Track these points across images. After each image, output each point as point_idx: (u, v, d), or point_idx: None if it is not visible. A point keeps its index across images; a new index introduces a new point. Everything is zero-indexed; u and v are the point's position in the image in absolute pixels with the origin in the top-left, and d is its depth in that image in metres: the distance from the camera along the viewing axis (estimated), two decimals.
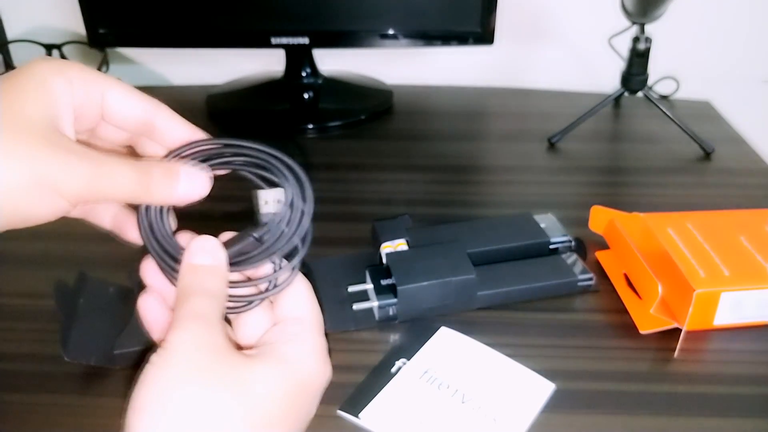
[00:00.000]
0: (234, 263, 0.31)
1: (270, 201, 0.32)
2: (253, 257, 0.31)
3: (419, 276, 0.48)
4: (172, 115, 0.31)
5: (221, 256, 0.30)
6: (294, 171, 0.32)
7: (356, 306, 0.49)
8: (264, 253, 0.31)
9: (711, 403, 0.43)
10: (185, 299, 0.28)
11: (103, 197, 0.28)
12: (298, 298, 0.32)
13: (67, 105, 0.28)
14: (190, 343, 0.27)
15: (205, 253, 0.30)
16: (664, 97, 0.89)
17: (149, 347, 0.44)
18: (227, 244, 0.31)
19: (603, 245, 0.57)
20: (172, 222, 0.32)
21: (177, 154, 0.31)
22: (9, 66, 0.92)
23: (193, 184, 0.30)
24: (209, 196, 0.31)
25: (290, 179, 0.32)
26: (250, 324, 0.32)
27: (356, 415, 0.41)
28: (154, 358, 0.27)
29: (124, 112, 0.30)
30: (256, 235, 0.31)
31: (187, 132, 0.31)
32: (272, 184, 0.32)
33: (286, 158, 0.32)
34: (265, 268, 0.32)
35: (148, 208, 0.31)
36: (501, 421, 0.41)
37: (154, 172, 0.29)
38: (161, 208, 0.31)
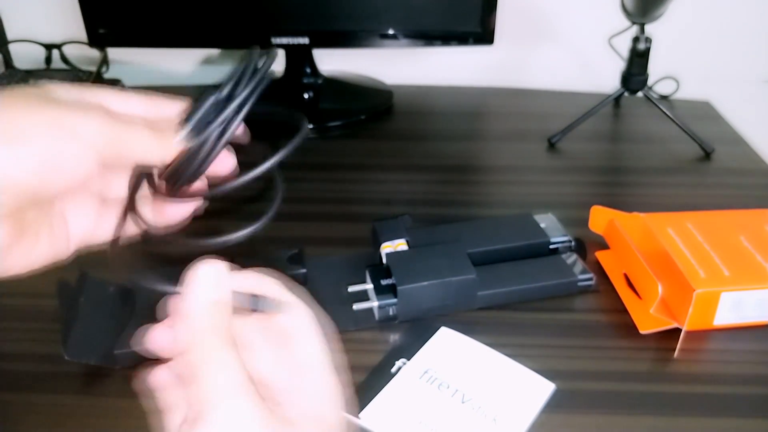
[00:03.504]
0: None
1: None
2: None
3: (419, 276, 0.48)
4: (172, 100, 0.31)
5: (227, 285, 0.29)
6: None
7: (356, 306, 0.49)
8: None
9: (711, 403, 0.43)
10: (211, 359, 0.26)
11: (124, 148, 0.27)
12: (303, 340, 0.30)
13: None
14: (238, 419, 0.26)
15: (211, 287, 0.28)
16: (664, 97, 0.89)
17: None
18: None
19: (603, 245, 0.57)
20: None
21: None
22: (9, 66, 0.92)
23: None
24: None
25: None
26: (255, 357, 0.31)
27: (356, 415, 0.41)
28: None
29: (121, 108, 0.29)
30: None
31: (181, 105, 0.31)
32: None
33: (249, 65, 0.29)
34: None
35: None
36: (501, 421, 0.41)
37: (165, 126, 0.29)
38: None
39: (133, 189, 0.30)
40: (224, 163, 0.31)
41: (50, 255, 0.29)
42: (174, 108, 0.31)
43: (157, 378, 0.29)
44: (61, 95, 0.27)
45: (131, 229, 0.32)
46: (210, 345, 0.27)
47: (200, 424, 0.26)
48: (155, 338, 0.29)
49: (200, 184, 0.31)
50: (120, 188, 0.31)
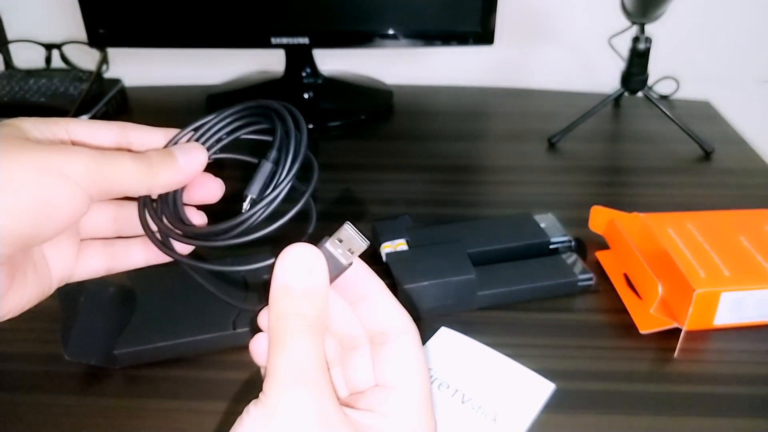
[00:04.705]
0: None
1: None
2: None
3: (419, 276, 0.48)
4: (143, 128, 0.31)
5: (323, 272, 0.28)
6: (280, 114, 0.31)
7: None
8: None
9: (711, 403, 0.43)
10: (284, 343, 0.26)
11: (111, 183, 0.27)
12: (406, 365, 0.29)
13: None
14: (296, 409, 0.25)
15: (304, 271, 0.27)
16: (664, 97, 0.89)
17: (150, 347, 0.44)
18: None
19: (603, 245, 0.57)
20: (196, 217, 0.31)
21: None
22: (9, 66, 0.92)
23: (190, 154, 0.30)
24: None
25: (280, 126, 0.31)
26: (359, 369, 0.30)
27: None
28: (254, 412, 0.25)
29: (92, 139, 0.30)
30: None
31: (163, 136, 0.31)
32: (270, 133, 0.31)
33: (272, 103, 0.31)
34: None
35: (155, 202, 0.30)
36: (501, 421, 0.41)
37: (151, 155, 0.29)
38: (174, 201, 0.31)
39: (144, 219, 0.31)
40: (211, 188, 0.31)
41: (37, 294, 0.29)
42: (148, 136, 0.31)
43: (257, 345, 0.28)
44: (35, 134, 0.27)
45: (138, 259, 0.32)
46: (285, 329, 0.26)
47: (264, 407, 0.25)
48: (263, 318, 0.28)
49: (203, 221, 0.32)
50: (96, 221, 0.32)
